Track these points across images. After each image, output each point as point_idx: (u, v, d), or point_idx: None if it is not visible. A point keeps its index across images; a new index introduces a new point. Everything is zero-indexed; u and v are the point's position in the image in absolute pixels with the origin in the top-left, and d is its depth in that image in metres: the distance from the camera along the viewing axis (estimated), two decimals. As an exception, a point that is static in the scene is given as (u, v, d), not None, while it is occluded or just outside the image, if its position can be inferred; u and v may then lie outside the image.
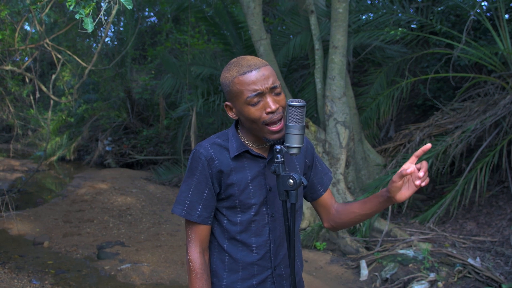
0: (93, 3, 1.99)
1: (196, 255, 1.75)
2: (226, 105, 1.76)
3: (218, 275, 1.81)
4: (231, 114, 1.76)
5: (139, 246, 6.06)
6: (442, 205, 5.76)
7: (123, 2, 1.99)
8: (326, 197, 1.95)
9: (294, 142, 1.63)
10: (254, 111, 1.66)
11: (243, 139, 1.78)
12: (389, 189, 1.69)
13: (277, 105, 1.66)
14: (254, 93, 1.64)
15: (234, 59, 1.75)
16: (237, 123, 1.83)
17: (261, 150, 1.79)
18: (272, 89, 1.66)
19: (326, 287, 4.67)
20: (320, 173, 1.95)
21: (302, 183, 1.61)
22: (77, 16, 1.98)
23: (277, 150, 1.63)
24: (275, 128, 1.67)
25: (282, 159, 1.63)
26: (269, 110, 1.65)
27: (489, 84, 6.57)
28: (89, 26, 1.98)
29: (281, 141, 1.71)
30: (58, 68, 8.22)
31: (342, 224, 1.92)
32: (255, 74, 1.65)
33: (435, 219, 5.73)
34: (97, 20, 2.08)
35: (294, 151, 1.64)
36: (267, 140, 1.70)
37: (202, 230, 1.77)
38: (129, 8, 1.99)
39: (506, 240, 5.16)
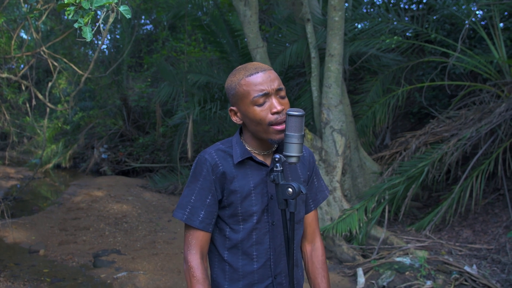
0: (92, 12, 2.00)
1: (197, 261, 1.73)
2: (231, 110, 1.78)
3: (219, 284, 1.81)
4: (236, 119, 1.77)
5: (135, 254, 6.04)
6: (438, 212, 5.77)
7: (122, 11, 2.00)
8: (313, 216, 1.96)
9: (293, 151, 1.64)
10: (260, 112, 1.68)
11: (247, 146, 1.79)
12: None
13: (283, 107, 1.69)
14: (260, 93, 1.67)
15: (239, 66, 1.78)
16: (241, 131, 1.84)
17: (264, 157, 1.80)
18: (277, 91, 1.70)
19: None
20: (315, 189, 1.96)
21: (301, 192, 1.61)
22: (76, 25, 1.98)
23: (276, 159, 1.64)
24: (280, 127, 1.68)
25: (281, 168, 1.64)
26: (274, 110, 1.67)
27: (485, 92, 6.60)
28: (88, 35, 1.99)
29: (281, 150, 1.73)
30: (54, 76, 8.21)
31: (305, 269, 1.99)
32: (261, 76, 1.68)
33: (432, 226, 5.74)
34: (95, 29, 2.09)
35: (293, 160, 1.65)
36: (272, 142, 1.71)
37: (203, 237, 1.76)
38: (127, 18, 2.00)
39: (502, 248, 5.17)
